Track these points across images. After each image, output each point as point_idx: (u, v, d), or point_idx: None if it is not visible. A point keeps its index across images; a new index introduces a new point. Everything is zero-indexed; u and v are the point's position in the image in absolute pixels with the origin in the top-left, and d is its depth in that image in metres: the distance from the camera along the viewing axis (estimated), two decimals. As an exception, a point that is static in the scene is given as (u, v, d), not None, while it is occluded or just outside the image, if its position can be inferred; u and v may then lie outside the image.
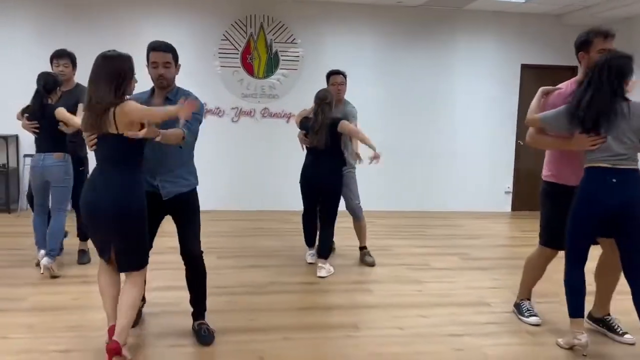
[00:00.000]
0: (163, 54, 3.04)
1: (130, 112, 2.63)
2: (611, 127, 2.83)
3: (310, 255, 4.80)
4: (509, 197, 7.91)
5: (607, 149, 2.85)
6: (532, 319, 3.38)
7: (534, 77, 7.66)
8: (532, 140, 3.18)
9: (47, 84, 4.18)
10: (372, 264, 4.79)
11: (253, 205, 7.32)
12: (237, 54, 7.24)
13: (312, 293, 3.98)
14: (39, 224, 4.29)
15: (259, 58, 7.29)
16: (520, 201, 7.85)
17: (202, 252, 3.17)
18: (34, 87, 4.20)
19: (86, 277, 4.14)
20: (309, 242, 4.83)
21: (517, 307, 3.53)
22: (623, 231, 2.88)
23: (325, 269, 4.42)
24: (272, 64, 7.34)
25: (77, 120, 3.87)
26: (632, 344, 3.11)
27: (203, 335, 3.06)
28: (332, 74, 5.02)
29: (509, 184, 7.88)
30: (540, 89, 3.23)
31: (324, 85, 5.06)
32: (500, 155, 7.83)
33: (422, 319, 3.49)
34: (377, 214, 7.21)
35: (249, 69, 7.29)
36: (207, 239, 5.56)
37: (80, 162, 4.55)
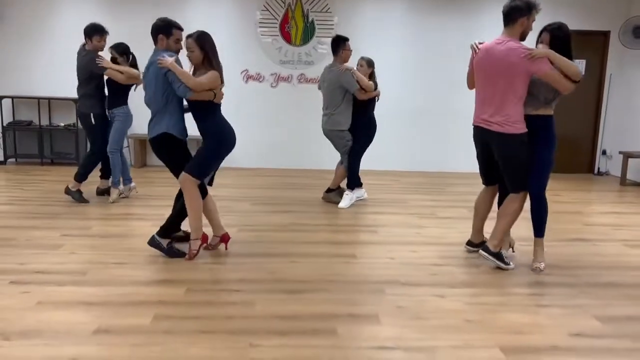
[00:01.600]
0: (182, 33, 3.86)
1: None
2: None
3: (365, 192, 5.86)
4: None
5: None
6: (511, 265, 3.78)
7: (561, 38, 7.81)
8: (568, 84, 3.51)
9: (126, 50, 5.47)
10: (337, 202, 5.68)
11: (289, 164, 8.04)
12: (276, 23, 7.85)
13: (325, 232, 4.65)
14: (122, 160, 5.59)
15: (296, 27, 7.87)
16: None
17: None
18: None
19: (139, 215, 5.01)
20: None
21: (498, 256, 3.77)
22: None
23: (348, 197, 5.61)
24: (309, 32, 7.90)
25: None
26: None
27: (175, 251, 3.84)
28: (346, 40, 5.58)
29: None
30: (549, 52, 3.48)
31: (357, 51, 5.67)
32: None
33: (412, 253, 4.09)
34: (401, 173, 7.80)
35: (286, 37, 7.89)
36: (244, 190, 6.43)
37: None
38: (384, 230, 4.72)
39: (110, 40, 5.51)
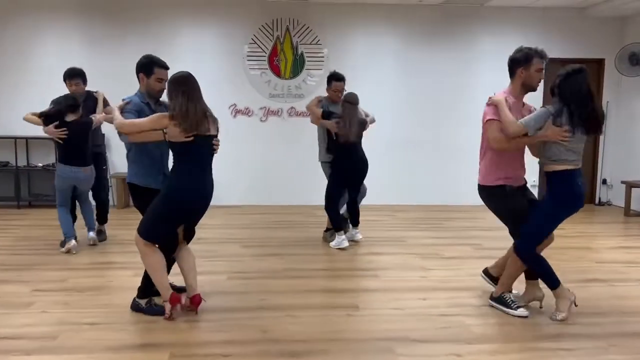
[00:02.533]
0: (167, 72, 3.47)
1: None
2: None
3: (345, 240, 5.23)
4: (535, 191, 7.93)
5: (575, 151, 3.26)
6: (521, 311, 3.45)
7: (557, 71, 7.66)
8: (507, 145, 3.37)
9: (73, 104, 4.89)
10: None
11: (280, 200, 7.69)
12: (265, 56, 7.62)
13: (321, 278, 4.29)
14: (67, 216, 5.04)
15: (285, 60, 7.65)
16: (546, 194, 7.88)
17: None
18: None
19: (118, 264, 4.62)
20: (342, 226, 5.33)
21: (500, 300, 3.55)
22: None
23: (360, 234, 5.44)
24: (298, 65, 7.67)
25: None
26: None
27: (155, 309, 3.41)
28: (335, 79, 5.33)
29: (534, 178, 7.92)
30: (499, 100, 3.40)
31: (349, 83, 5.45)
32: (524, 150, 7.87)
33: (420, 301, 3.73)
34: (397, 207, 7.48)
35: (276, 70, 7.65)
36: (233, 230, 6.06)
37: (104, 160, 5.47)
38: (386, 274, 4.37)
39: (92, 79, 5.27)
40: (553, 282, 3.40)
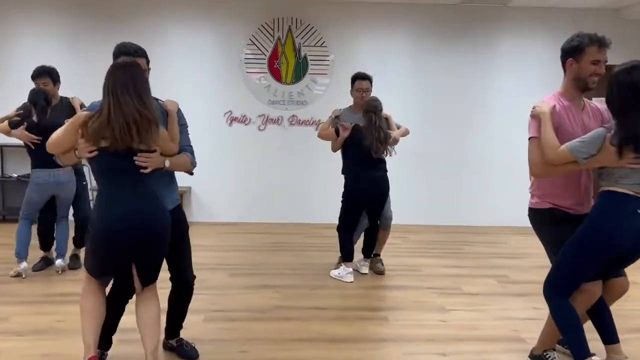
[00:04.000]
0: (137, 60, 2.61)
1: (165, 139, 2.54)
2: None
3: (350, 274, 4.48)
4: (560, 211, 7.18)
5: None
6: None
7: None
8: (547, 171, 2.63)
9: (47, 99, 4.30)
10: (382, 272, 4.69)
11: (278, 218, 6.96)
12: (264, 59, 6.93)
13: (319, 320, 3.53)
14: (27, 232, 4.36)
15: (286, 63, 6.95)
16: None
17: (194, 276, 2.86)
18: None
19: (76, 296, 3.88)
20: (351, 257, 4.58)
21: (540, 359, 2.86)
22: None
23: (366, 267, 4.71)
24: (301, 68, 6.98)
25: None
26: None
27: (187, 350, 2.92)
28: (358, 78, 4.71)
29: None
30: (542, 112, 2.65)
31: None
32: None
33: (441, 357, 2.97)
34: (410, 228, 6.71)
35: (276, 74, 6.96)
36: (223, 254, 5.31)
37: (82, 174, 4.69)
38: (397, 317, 3.61)
39: (76, 82, 4.67)
40: (577, 351, 2.57)
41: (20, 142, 5.66)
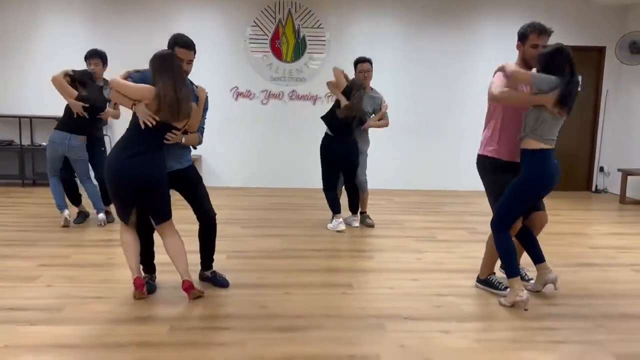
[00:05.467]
0: (189, 52, 3.30)
1: (195, 117, 3.37)
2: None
3: (341, 223, 5.31)
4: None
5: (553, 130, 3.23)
6: (508, 291, 3.51)
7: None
8: (506, 95, 3.23)
9: (83, 77, 5.09)
10: (372, 225, 5.49)
11: (279, 183, 7.79)
12: (267, 39, 7.65)
13: (319, 258, 4.39)
14: (58, 186, 5.19)
15: (287, 43, 7.68)
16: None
17: (215, 213, 3.66)
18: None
19: (119, 241, 4.72)
20: (339, 209, 5.37)
21: (486, 282, 3.66)
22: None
23: (357, 221, 5.54)
24: (300, 48, 7.71)
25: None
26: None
27: (220, 280, 3.65)
28: (359, 61, 5.46)
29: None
30: (508, 67, 3.31)
31: (349, 67, 5.46)
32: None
33: (412, 282, 3.84)
34: (395, 192, 7.57)
35: (277, 53, 7.69)
36: (234, 212, 6.16)
37: (102, 143, 5.51)
38: (381, 256, 4.48)
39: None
40: (511, 270, 3.37)
41: (48, 114, 6.60)
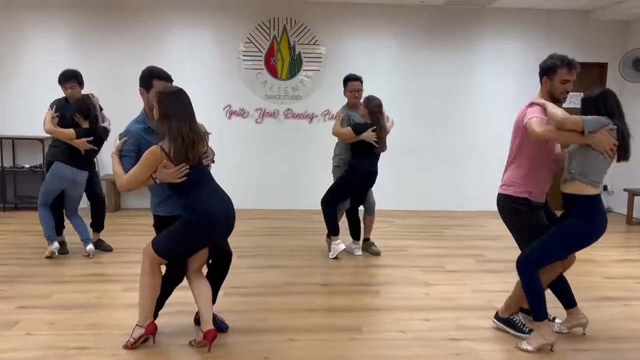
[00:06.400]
0: (168, 84, 3.07)
1: None
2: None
3: (340, 244, 5.03)
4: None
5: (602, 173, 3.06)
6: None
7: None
8: (554, 135, 3.02)
9: (82, 110, 4.76)
10: (378, 253, 5.24)
11: (275, 204, 7.49)
12: (261, 56, 7.40)
13: (322, 295, 4.10)
14: (49, 217, 4.86)
15: (282, 60, 7.43)
16: (550, 199, 7.75)
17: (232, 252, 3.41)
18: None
19: (107, 276, 4.41)
20: (337, 231, 5.10)
21: (508, 322, 3.41)
22: None
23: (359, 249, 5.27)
24: (295, 65, 7.46)
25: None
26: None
27: (219, 323, 3.32)
28: (349, 79, 5.20)
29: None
30: (544, 101, 3.16)
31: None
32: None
33: (425, 322, 3.57)
34: (395, 213, 7.30)
35: (272, 70, 7.44)
36: (230, 238, 5.82)
37: (94, 164, 5.23)
38: (388, 290, 4.20)
39: (86, 79, 5.09)
40: (539, 313, 3.13)
41: (32, 135, 6.25)
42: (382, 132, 4.88)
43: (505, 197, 3.34)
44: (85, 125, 4.74)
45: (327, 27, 7.44)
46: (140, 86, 3.09)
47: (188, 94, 2.90)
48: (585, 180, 3.01)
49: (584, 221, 3.06)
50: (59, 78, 4.89)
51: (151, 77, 3.03)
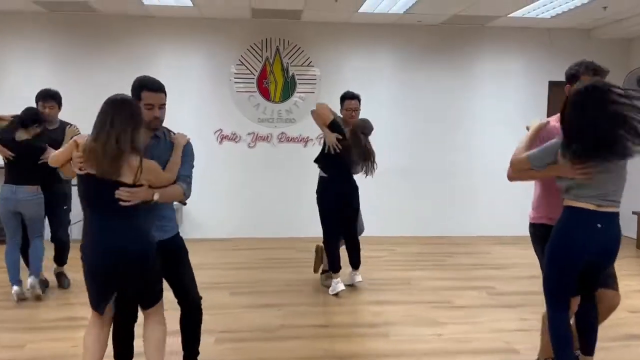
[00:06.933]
0: (159, 95, 2.74)
1: (155, 172, 2.59)
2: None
3: (340, 283, 4.65)
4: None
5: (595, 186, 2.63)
6: None
7: (563, 94, 7.26)
8: (516, 174, 2.88)
9: (26, 119, 4.29)
10: (351, 285, 4.85)
11: (269, 233, 7.13)
12: (253, 78, 7.12)
13: (324, 338, 3.73)
14: (13, 259, 4.38)
15: (275, 82, 7.15)
16: (551, 224, 7.46)
17: (200, 297, 2.96)
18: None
19: (82, 320, 3.99)
20: (338, 267, 4.72)
21: None
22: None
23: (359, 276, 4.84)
24: (289, 87, 7.19)
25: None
26: None
27: None
28: (347, 97, 4.92)
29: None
30: (536, 125, 2.93)
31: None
32: (528, 177, 7.45)
33: (440, 371, 3.21)
34: (395, 240, 6.97)
35: (265, 93, 7.15)
36: (222, 272, 5.47)
37: (64, 199, 4.72)
38: (395, 332, 3.84)
39: (70, 103, 4.77)
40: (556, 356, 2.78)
41: None
42: (350, 148, 4.61)
43: (530, 224, 3.08)
44: (25, 136, 4.29)
45: (321, 48, 7.19)
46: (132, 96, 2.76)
47: (134, 107, 2.58)
48: (566, 196, 2.70)
49: (554, 235, 2.72)
50: (38, 95, 4.55)
51: (140, 88, 2.72)
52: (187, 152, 2.85)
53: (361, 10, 6.43)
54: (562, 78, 7.06)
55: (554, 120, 2.93)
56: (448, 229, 7.37)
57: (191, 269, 2.97)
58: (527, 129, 2.99)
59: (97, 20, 6.85)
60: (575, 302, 2.83)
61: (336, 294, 4.63)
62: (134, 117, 2.53)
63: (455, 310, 4.35)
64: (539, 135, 2.91)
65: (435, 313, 4.25)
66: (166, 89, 2.77)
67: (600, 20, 6.85)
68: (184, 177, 2.80)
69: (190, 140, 2.89)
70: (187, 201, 2.94)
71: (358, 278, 4.90)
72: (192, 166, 2.87)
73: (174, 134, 2.89)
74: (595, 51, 7.43)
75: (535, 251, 3.06)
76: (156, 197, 2.60)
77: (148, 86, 2.73)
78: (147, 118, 2.71)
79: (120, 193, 2.50)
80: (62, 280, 4.80)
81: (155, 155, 2.69)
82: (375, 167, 4.77)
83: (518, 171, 2.84)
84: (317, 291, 4.80)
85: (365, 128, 4.72)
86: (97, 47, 6.89)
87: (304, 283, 5.05)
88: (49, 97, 4.58)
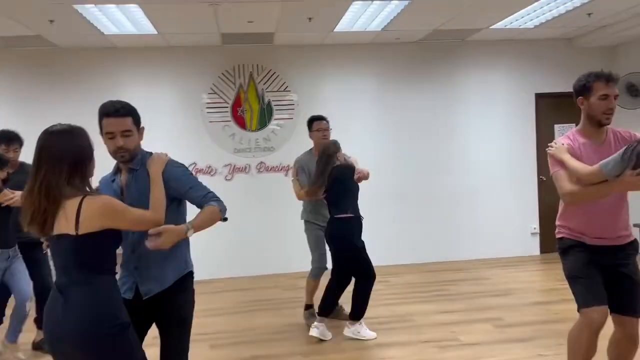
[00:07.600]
0: (119, 120, 2.31)
1: (113, 212, 2.03)
2: None
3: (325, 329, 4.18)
4: (536, 239, 7.14)
5: None
6: None
7: (550, 105, 7.09)
8: (578, 195, 2.63)
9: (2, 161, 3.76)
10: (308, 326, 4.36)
11: (252, 271, 6.64)
12: (227, 107, 6.72)
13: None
14: None
15: (250, 110, 6.76)
16: (549, 242, 6.98)
17: None
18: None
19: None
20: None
21: None
22: None
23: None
24: (265, 114, 6.79)
25: None
26: None
27: None
28: (314, 120, 4.72)
29: (534, 225, 7.11)
30: (557, 150, 2.68)
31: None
32: (522, 193, 7.10)
33: None
34: (389, 269, 6.49)
35: (240, 122, 6.74)
36: (200, 320, 4.86)
37: (36, 246, 4.04)
38: (403, 382, 3.38)
39: (34, 142, 4.17)
40: None
41: None
42: (316, 177, 4.30)
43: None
44: None
45: (297, 71, 6.83)
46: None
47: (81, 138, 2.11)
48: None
49: None
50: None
51: (100, 117, 2.33)
52: (180, 176, 2.40)
53: (337, 29, 6.10)
54: (548, 89, 6.81)
55: (566, 139, 2.74)
56: (441, 254, 6.95)
57: (188, 338, 2.58)
58: (549, 149, 2.75)
59: (58, 54, 6.41)
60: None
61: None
62: (62, 148, 2.05)
63: (463, 348, 3.90)
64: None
65: (442, 354, 3.80)
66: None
67: (584, 27, 6.63)
68: (207, 196, 2.42)
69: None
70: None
71: (367, 333, 4.31)
72: (200, 182, 2.49)
73: (152, 155, 2.42)
74: (581, 60, 7.22)
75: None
76: (190, 233, 2.27)
77: (105, 111, 2.32)
78: (110, 150, 2.32)
79: (151, 244, 2.13)
80: (43, 346, 4.19)
81: (136, 193, 2.29)
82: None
83: (587, 188, 2.57)
84: (307, 338, 4.29)
85: (329, 150, 4.32)
86: (60, 81, 6.43)
87: (294, 328, 4.56)
88: (15, 140, 4.06)
